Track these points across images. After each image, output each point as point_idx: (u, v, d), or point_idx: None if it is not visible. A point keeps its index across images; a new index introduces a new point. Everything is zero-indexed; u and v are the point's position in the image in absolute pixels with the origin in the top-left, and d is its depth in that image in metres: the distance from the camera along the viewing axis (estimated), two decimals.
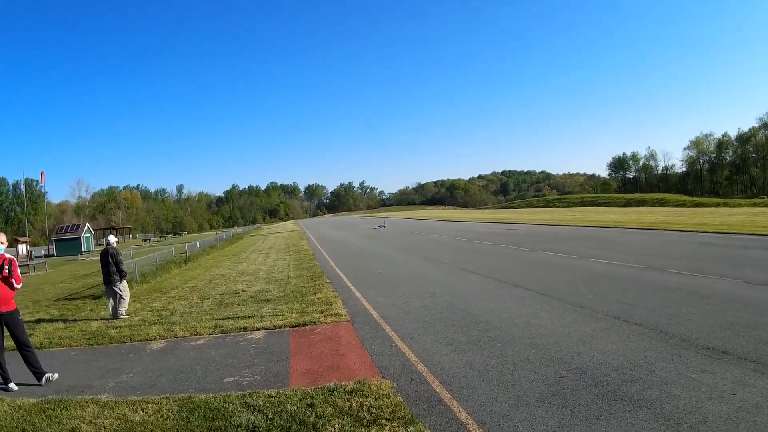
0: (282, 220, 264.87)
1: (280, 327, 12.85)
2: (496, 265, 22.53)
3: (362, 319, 13.26)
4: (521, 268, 20.85)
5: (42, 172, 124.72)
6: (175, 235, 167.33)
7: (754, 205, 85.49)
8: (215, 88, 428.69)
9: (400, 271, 22.73)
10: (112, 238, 17.79)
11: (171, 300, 19.15)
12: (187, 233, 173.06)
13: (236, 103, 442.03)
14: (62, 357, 11.84)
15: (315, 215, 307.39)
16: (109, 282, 16.42)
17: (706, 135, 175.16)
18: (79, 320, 16.50)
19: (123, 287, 16.61)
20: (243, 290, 19.80)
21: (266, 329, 12.73)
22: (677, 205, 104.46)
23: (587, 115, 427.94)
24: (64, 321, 16.56)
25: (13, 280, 9.68)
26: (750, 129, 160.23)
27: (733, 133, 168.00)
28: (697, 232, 34.40)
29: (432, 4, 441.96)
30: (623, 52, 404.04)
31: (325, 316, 13.60)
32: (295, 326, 12.82)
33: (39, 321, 16.90)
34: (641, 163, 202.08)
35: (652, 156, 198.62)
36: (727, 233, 31.74)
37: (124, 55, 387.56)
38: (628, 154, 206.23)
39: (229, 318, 14.42)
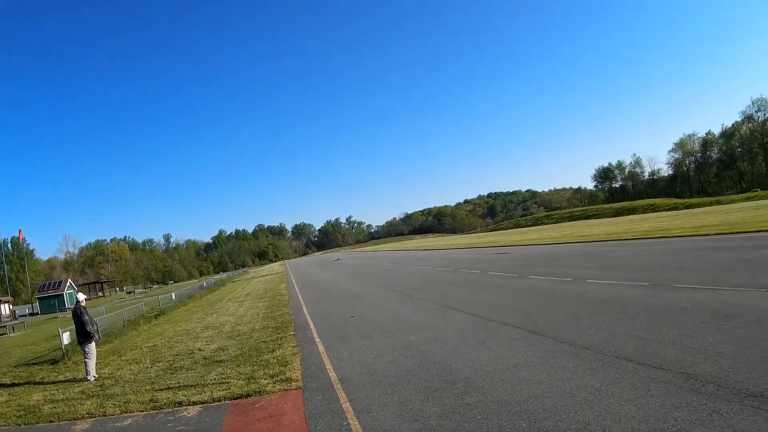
0: (271, 261, 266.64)
1: (219, 400, 11.41)
2: (483, 298, 20.32)
3: (316, 385, 11.20)
4: (510, 300, 18.57)
5: (20, 230, 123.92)
6: (161, 284, 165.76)
7: (748, 199, 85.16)
8: (197, 135, 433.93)
9: (375, 315, 20.47)
10: (81, 296, 17.80)
11: (123, 364, 18.13)
12: (174, 282, 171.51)
13: (218, 148, 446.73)
14: None
15: (304, 254, 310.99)
16: (78, 342, 16.49)
17: (689, 135, 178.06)
18: (35, 385, 16.81)
19: (88, 349, 16.19)
20: (200, 349, 18.62)
21: (203, 403, 11.37)
22: (669, 209, 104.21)
23: (569, 128, 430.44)
24: (10, 389, 16.69)
25: None
26: (734, 124, 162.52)
27: (717, 131, 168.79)
28: (698, 235, 32.92)
29: (409, 35, 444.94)
30: (599, 61, 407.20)
31: (274, 383, 11.96)
32: (237, 398, 11.34)
33: None
34: (627, 171, 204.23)
35: (637, 163, 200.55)
36: (732, 233, 30.39)
37: (105, 105, 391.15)
38: (613, 163, 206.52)
39: (170, 388, 13.16)
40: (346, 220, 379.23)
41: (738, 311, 11.22)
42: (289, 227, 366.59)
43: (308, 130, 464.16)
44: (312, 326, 20.21)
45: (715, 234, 31.81)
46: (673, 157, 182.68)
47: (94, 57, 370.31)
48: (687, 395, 7.06)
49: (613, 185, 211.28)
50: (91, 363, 16.20)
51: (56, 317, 61.84)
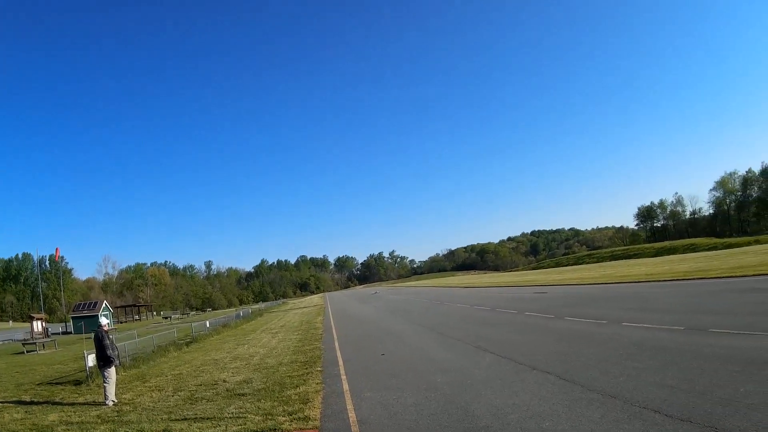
0: (313, 293, 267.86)
1: None
2: (516, 339, 20.06)
3: (333, 426, 10.92)
4: (543, 343, 18.26)
5: (57, 248, 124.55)
6: (199, 311, 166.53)
7: None
8: (244, 164, 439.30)
9: (406, 353, 20.23)
10: (103, 320, 17.78)
11: (144, 391, 18.16)
12: (212, 310, 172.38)
13: (263, 176, 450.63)
14: None
15: (346, 287, 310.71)
16: (98, 366, 16.53)
17: (731, 174, 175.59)
18: (54, 405, 16.92)
19: (107, 373, 16.23)
20: (224, 380, 18.51)
21: None
22: (708, 249, 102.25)
23: (612, 166, 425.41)
24: (29, 406, 16.93)
25: None
26: None
27: (757, 168, 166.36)
28: (735, 277, 32.26)
29: (454, 69, 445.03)
30: (643, 99, 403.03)
31: (291, 420, 11.63)
32: None
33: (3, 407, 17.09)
34: (669, 210, 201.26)
35: (679, 202, 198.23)
36: None
37: (147, 132, 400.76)
38: (656, 202, 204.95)
39: (186, 419, 12.96)
40: (389, 254, 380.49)
41: None
42: (331, 259, 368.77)
43: (353, 163, 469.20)
44: (341, 362, 19.97)
45: (753, 275, 31.14)
46: (714, 195, 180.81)
47: (151, 75, 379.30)
48: None
49: (655, 224, 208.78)
50: (110, 388, 16.28)
51: (90, 337, 60.61)
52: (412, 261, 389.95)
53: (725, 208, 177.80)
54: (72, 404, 16.63)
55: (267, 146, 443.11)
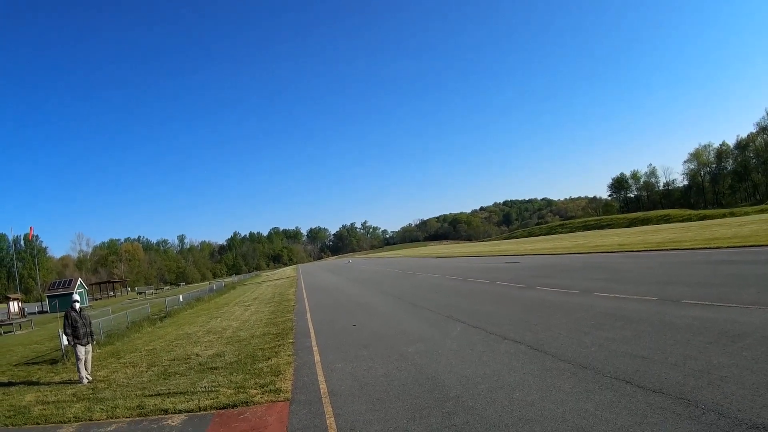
0: (286, 264, 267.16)
1: (205, 409, 11.25)
2: (487, 309, 19.94)
3: (305, 398, 10.91)
4: (514, 312, 18.20)
5: (30, 227, 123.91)
6: (173, 286, 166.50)
7: (762, 211, 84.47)
8: (212, 137, 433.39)
9: (377, 325, 20.16)
10: (75, 297, 17.91)
11: (119, 367, 18.12)
12: (186, 284, 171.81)
13: (234, 150, 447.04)
14: None
15: (319, 258, 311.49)
16: (72, 345, 16.41)
17: (705, 146, 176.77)
18: (30, 385, 16.90)
19: (78, 351, 16.21)
20: (197, 354, 18.55)
21: (189, 412, 11.20)
22: (682, 221, 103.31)
23: (585, 137, 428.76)
24: (6, 388, 16.81)
25: None
26: (749, 135, 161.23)
27: (731, 142, 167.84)
28: (710, 248, 32.55)
29: (428, 45, 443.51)
30: (616, 71, 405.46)
31: (263, 393, 11.76)
32: (224, 407, 11.15)
33: None
34: (642, 181, 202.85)
35: (652, 173, 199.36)
36: (744, 246, 30.00)
37: (120, 106, 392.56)
38: (628, 173, 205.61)
39: (159, 394, 13.08)
40: (362, 225, 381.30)
41: (746, 331, 10.80)
42: (304, 231, 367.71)
43: (325, 135, 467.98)
44: (312, 334, 20.01)
45: (727, 247, 31.40)
46: (688, 167, 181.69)
47: (109, 56, 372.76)
48: (685, 424, 6.64)
49: (628, 195, 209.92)
50: (81, 365, 16.17)
51: (62, 316, 60.23)
52: (384, 231, 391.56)
53: (699, 180, 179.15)
54: (48, 384, 16.67)
55: (236, 119, 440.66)
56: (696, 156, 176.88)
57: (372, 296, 33.23)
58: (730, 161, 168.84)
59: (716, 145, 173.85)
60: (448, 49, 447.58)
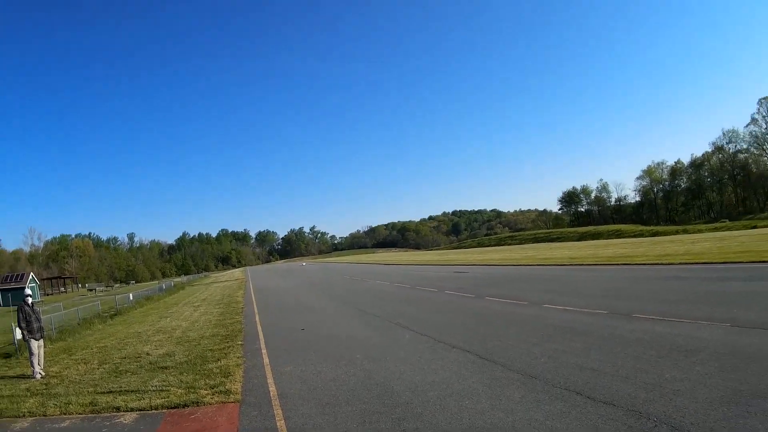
0: (234, 267, 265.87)
1: (157, 408, 11.27)
2: (436, 318, 19.89)
3: (255, 400, 10.91)
4: (463, 322, 18.14)
5: None
6: (124, 284, 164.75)
7: (716, 230, 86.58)
8: (162, 137, 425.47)
9: (325, 329, 20.19)
10: (27, 291, 18.05)
11: (71, 363, 18.02)
12: (135, 282, 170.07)
13: (184, 149, 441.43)
14: None
15: (267, 261, 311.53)
16: (24, 339, 16.53)
17: (658, 163, 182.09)
18: None
19: (31, 346, 16.20)
20: (147, 353, 18.47)
21: (141, 410, 11.21)
22: (634, 236, 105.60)
23: (536, 150, 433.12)
24: None
25: None
26: (704, 154, 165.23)
27: (686, 160, 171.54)
28: (661, 264, 33.03)
29: (376, 53, 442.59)
30: (570, 84, 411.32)
31: (213, 394, 11.76)
32: (175, 407, 11.15)
33: None
34: (593, 195, 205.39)
35: (604, 188, 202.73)
36: (696, 263, 30.55)
37: (75, 102, 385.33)
38: (579, 187, 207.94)
39: (111, 392, 13.02)
40: (310, 229, 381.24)
41: (698, 346, 10.77)
42: (253, 234, 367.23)
43: (274, 139, 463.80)
44: (261, 336, 19.96)
45: (679, 263, 31.85)
46: (640, 184, 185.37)
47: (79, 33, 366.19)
48: None
49: (579, 209, 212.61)
50: (34, 360, 16.12)
51: (14, 310, 59.59)
52: (332, 237, 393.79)
53: (652, 196, 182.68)
54: (2, 377, 16.73)
55: (187, 118, 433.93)
56: (648, 173, 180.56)
57: (321, 301, 33.13)
58: (684, 179, 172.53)
59: (670, 163, 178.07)
60: (391, 57, 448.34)
